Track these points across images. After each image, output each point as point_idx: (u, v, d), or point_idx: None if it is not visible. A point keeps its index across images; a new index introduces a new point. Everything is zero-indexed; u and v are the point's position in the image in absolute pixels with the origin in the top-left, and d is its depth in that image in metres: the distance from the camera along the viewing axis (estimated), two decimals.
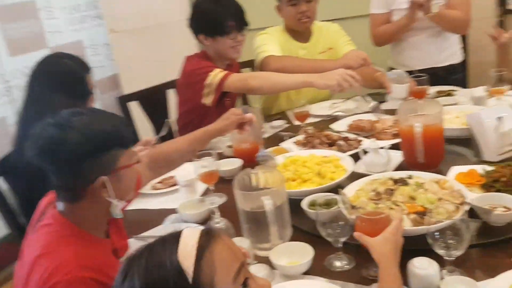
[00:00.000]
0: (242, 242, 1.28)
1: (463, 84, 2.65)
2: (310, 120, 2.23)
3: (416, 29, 2.49)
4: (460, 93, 2.39)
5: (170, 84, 2.80)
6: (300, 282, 1.19)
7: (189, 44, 3.73)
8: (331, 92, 2.07)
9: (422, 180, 1.38)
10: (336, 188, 1.49)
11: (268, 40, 2.42)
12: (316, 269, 1.24)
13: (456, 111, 1.93)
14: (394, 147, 1.72)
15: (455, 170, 1.51)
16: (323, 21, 2.63)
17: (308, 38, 2.51)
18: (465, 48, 2.82)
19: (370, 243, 1.09)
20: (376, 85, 2.36)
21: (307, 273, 1.22)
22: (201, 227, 0.82)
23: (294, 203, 1.43)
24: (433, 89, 2.36)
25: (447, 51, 2.55)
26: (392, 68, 2.61)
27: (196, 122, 2.37)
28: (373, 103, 2.11)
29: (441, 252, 1.12)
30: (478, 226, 1.26)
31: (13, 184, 1.82)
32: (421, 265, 1.09)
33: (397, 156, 1.67)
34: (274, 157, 1.69)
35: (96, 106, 2.09)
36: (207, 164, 1.59)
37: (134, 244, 1.31)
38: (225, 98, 2.31)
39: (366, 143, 1.80)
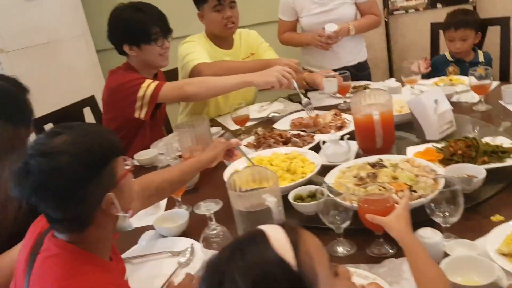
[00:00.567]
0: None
1: (370, 79, 2.90)
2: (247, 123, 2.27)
3: None
4: (374, 86, 2.61)
5: (87, 102, 2.64)
6: None
7: (85, 59, 3.56)
8: (272, 90, 2.13)
9: (394, 162, 1.49)
10: (309, 181, 1.56)
11: (194, 48, 2.39)
12: None
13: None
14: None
15: (411, 150, 1.66)
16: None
17: (231, 44, 2.54)
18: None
19: (386, 222, 1.15)
20: (305, 85, 2.48)
21: None
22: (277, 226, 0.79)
23: None
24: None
25: (356, 51, 2.78)
26: (304, 69, 2.77)
27: (129, 138, 2.26)
28: (305, 101, 2.21)
29: (439, 220, 1.23)
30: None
31: None
32: (427, 235, 1.19)
33: (354, 145, 1.78)
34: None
35: None
36: None
37: None
38: (157, 110, 2.23)
39: (319, 137, 1.89)
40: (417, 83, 2.37)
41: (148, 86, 2.07)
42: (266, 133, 1.96)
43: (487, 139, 1.60)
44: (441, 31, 2.96)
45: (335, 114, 2.11)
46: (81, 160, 0.95)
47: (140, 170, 2.06)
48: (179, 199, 1.66)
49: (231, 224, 1.35)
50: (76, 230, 1.00)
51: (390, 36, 3.69)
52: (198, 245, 1.39)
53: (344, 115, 2.10)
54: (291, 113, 2.34)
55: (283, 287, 0.70)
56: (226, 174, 1.67)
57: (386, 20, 3.62)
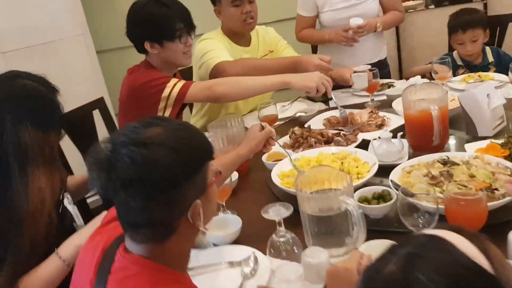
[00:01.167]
0: (320, 253, 1.13)
1: (389, 77, 2.82)
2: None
3: None
4: (399, 83, 2.52)
5: (97, 104, 2.47)
6: None
7: (85, 60, 3.38)
8: (307, 94, 2.01)
9: (463, 159, 1.39)
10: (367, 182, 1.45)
11: (214, 45, 2.24)
12: None
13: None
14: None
15: (470, 147, 1.56)
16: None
17: (249, 41, 2.41)
18: None
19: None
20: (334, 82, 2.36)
21: None
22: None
23: None
24: None
25: (377, 48, 2.69)
26: None
27: None
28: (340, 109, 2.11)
29: None
30: None
31: None
32: None
33: (405, 143, 1.67)
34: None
35: None
36: None
37: None
38: (182, 111, 2.09)
39: (363, 135, 1.79)
40: (448, 79, 2.29)
41: (174, 86, 1.93)
42: (304, 133, 1.84)
43: None
44: None
45: (371, 112, 2.00)
46: (180, 156, 0.83)
47: None
48: (224, 203, 1.52)
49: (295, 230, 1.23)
50: (158, 239, 0.86)
51: (400, 34, 3.63)
52: (259, 254, 1.25)
53: (381, 113, 2.00)
54: (320, 112, 2.23)
55: None
56: (274, 176, 1.54)
57: None
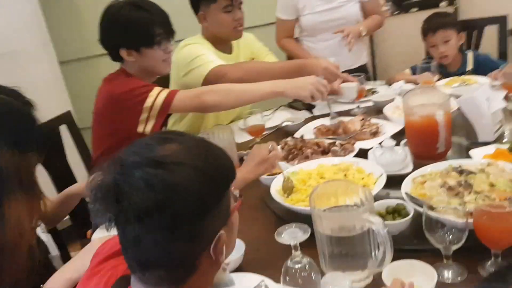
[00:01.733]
0: (342, 279, 1.02)
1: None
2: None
3: (328, 35, 2.52)
4: (382, 89, 2.46)
5: (64, 119, 2.28)
6: None
7: (46, 71, 3.16)
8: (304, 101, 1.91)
9: (476, 167, 1.31)
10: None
11: (204, 50, 2.11)
12: None
13: None
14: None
15: (476, 153, 1.49)
16: None
17: (231, 49, 2.29)
18: None
19: None
20: None
21: None
22: None
23: None
24: None
25: (358, 54, 2.63)
26: None
27: None
28: (333, 115, 2.01)
29: None
30: None
31: None
32: None
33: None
34: None
35: None
36: None
37: None
38: (166, 122, 1.94)
39: (360, 144, 1.70)
40: (434, 83, 2.25)
41: (158, 95, 1.77)
42: (298, 143, 1.73)
43: None
44: None
45: (363, 119, 1.92)
46: (204, 177, 0.70)
47: None
48: None
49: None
50: (176, 281, 0.72)
51: (373, 41, 3.60)
52: (269, 282, 1.12)
53: (373, 120, 1.92)
54: (307, 120, 2.13)
55: None
56: (274, 193, 1.42)
57: None
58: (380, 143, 1.60)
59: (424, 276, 1.04)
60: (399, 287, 0.92)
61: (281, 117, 2.29)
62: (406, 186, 1.32)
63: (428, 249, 1.13)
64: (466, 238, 1.06)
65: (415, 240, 1.19)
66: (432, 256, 1.11)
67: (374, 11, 2.54)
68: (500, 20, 2.72)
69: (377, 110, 2.19)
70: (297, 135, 1.94)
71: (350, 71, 2.52)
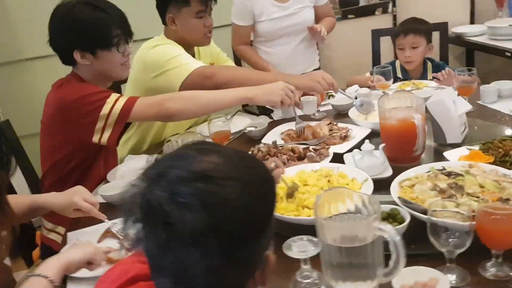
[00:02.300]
0: None
1: None
2: None
3: (283, 40, 2.50)
4: (337, 94, 2.47)
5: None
6: None
7: None
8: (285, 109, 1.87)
9: (460, 169, 1.33)
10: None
11: (179, 51, 2.00)
12: None
13: None
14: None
15: (451, 155, 1.52)
16: None
17: (193, 53, 2.19)
18: None
19: None
20: None
21: None
22: None
23: None
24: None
25: (312, 57, 2.63)
26: None
27: (83, 169, 1.78)
28: (298, 121, 1.96)
29: None
30: None
31: None
32: None
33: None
34: None
35: None
36: None
37: None
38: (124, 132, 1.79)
39: (334, 149, 1.67)
40: (389, 88, 2.30)
41: (116, 102, 1.64)
42: (272, 149, 1.67)
43: None
44: (381, 38, 2.99)
45: (330, 123, 1.91)
46: (257, 193, 0.62)
47: (108, 208, 1.61)
48: None
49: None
50: None
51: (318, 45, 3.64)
52: None
53: (340, 124, 1.91)
54: (271, 125, 2.07)
55: None
56: None
57: None
58: (352, 148, 1.59)
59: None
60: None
61: (241, 123, 2.22)
62: (393, 190, 1.31)
63: (427, 254, 1.12)
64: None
65: (412, 245, 1.17)
66: (432, 260, 1.10)
67: (326, 14, 2.56)
68: (442, 27, 2.84)
69: (336, 114, 2.20)
70: (265, 140, 1.88)
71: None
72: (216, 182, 0.62)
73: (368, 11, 3.85)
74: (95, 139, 1.67)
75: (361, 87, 2.39)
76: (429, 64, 2.55)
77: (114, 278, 0.80)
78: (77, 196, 1.42)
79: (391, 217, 1.21)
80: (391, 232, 0.97)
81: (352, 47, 3.60)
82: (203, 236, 0.59)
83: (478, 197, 1.18)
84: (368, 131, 1.81)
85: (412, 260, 1.09)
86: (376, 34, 2.98)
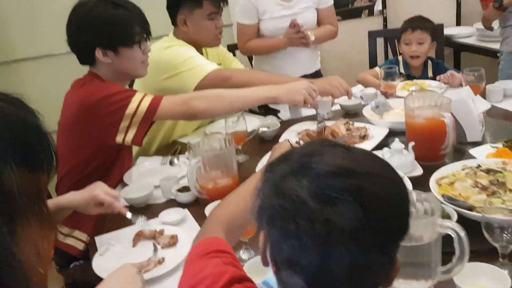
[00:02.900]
0: None
1: None
2: None
3: None
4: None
5: None
6: None
7: None
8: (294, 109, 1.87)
9: (495, 166, 1.36)
10: None
11: (193, 52, 1.99)
12: None
13: (400, 104, 1.98)
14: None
15: (477, 152, 1.55)
16: None
17: (201, 54, 2.16)
18: None
19: None
20: None
21: None
22: None
23: None
24: None
25: (314, 58, 2.64)
26: None
27: (103, 171, 1.73)
28: (321, 120, 1.97)
29: None
30: None
31: None
32: None
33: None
34: None
35: None
36: None
37: None
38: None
39: (361, 147, 1.67)
40: (395, 87, 2.33)
41: (141, 100, 1.61)
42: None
43: None
44: (378, 40, 3.04)
45: (347, 123, 1.91)
46: (402, 191, 0.66)
47: (131, 211, 1.57)
48: (247, 240, 1.27)
49: None
50: None
51: None
52: None
53: (356, 124, 1.92)
54: (284, 125, 2.06)
55: None
56: None
57: None
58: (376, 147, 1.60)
59: (491, 279, 1.04)
60: None
61: (250, 123, 2.20)
62: (433, 188, 1.32)
63: (477, 250, 1.14)
64: None
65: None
66: (482, 256, 1.11)
67: (328, 20, 2.57)
68: (437, 29, 2.90)
69: (344, 114, 2.22)
70: (281, 140, 1.86)
71: (307, 76, 2.52)
72: (367, 179, 0.61)
73: (354, 13, 3.90)
74: (119, 139, 1.63)
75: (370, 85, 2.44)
76: (429, 62, 2.61)
77: (209, 283, 0.77)
78: (98, 189, 1.38)
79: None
80: (457, 228, 0.98)
81: (345, 49, 3.63)
82: (361, 232, 0.59)
83: None
84: (386, 130, 1.83)
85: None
86: (373, 36, 3.01)
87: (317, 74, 2.66)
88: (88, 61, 1.66)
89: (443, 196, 1.25)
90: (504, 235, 1.08)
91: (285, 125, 2.08)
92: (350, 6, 3.74)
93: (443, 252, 1.06)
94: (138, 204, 1.60)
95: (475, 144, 1.68)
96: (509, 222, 1.07)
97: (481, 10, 3.60)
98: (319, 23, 2.57)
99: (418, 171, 1.51)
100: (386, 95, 2.26)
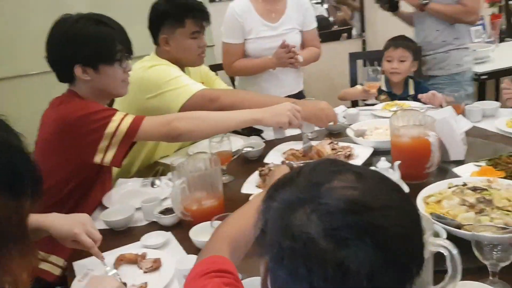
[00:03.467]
0: None
1: None
2: None
3: None
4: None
5: None
6: None
7: None
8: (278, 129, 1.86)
9: (481, 184, 1.36)
10: None
11: (178, 72, 1.97)
12: None
13: (384, 124, 1.99)
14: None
15: (462, 171, 1.56)
16: None
17: (185, 73, 2.14)
18: None
19: None
20: None
21: None
22: None
23: None
24: None
25: (298, 79, 2.65)
26: None
27: (81, 194, 1.68)
28: (306, 141, 1.95)
29: None
30: None
31: None
32: None
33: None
34: None
35: None
36: None
37: None
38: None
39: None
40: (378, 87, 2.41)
41: (122, 120, 1.58)
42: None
43: None
44: (358, 61, 3.08)
45: (331, 142, 1.91)
46: (414, 219, 0.63)
47: (111, 234, 1.52)
48: None
49: None
50: None
51: None
52: None
53: (341, 143, 1.92)
54: (267, 145, 2.05)
55: None
56: None
57: None
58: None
59: None
60: None
61: (234, 143, 2.18)
62: (420, 207, 1.31)
63: (468, 268, 1.13)
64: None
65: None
66: (471, 274, 1.10)
67: (312, 43, 2.59)
68: (419, 49, 2.96)
69: (328, 133, 2.21)
70: (268, 160, 1.85)
71: (291, 96, 2.52)
72: (381, 213, 0.58)
73: (334, 36, 3.98)
74: (97, 159, 1.58)
75: (354, 99, 2.48)
76: (410, 81, 2.65)
77: None
78: (79, 228, 1.29)
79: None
80: (449, 247, 0.97)
81: (326, 70, 3.67)
82: (378, 274, 0.56)
83: (508, 211, 1.21)
84: (370, 149, 1.83)
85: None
86: (353, 57, 3.05)
87: (300, 95, 2.67)
88: (67, 79, 1.63)
89: (431, 214, 1.24)
90: (494, 253, 1.07)
91: (270, 145, 2.07)
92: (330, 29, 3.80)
93: (434, 270, 1.06)
94: (119, 227, 1.55)
95: (458, 163, 1.69)
96: (499, 240, 1.06)
97: None
98: (303, 45, 2.59)
99: (405, 189, 1.50)
100: (369, 94, 2.31)
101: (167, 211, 1.56)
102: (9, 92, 2.92)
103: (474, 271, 1.11)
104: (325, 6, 3.93)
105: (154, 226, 1.57)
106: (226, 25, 2.45)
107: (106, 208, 1.67)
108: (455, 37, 2.76)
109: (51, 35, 1.58)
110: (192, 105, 1.85)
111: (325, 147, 1.86)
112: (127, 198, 1.76)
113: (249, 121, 1.79)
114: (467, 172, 1.55)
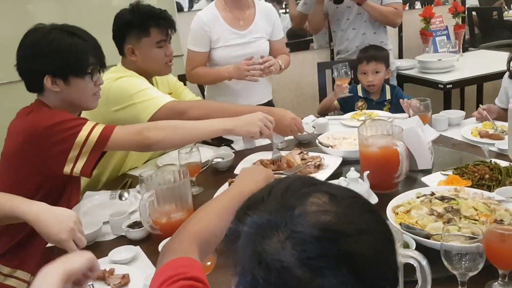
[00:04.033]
0: None
1: None
2: None
3: None
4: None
5: None
6: None
7: None
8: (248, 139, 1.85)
9: (448, 194, 1.38)
10: None
11: (146, 84, 1.94)
12: None
13: (352, 134, 2.00)
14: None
15: (430, 180, 1.58)
16: None
17: (152, 83, 2.11)
18: None
19: None
20: None
21: None
22: None
23: None
24: None
25: (266, 90, 2.66)
26: None
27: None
28: (276, 152, 1.95)
29: None
30: None
31: None
32: None
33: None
34: None
35: None
36: None
37: None
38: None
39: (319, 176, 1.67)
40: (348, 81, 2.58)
41: (92, 129, 1.54)
42: None
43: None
44: (327, 71, 3.11)
45: (301, 152, 1.91)
46: (388, 241, 0.63)
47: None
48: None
49: None
50: None
51: None
52: None
53: (311, 153, 1.92)
54: (238, 155, 2.03)
55: None
56: None
57: None
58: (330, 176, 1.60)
59: None
60: None
61: (204, 154, 2.16)
62: (390, 217, 1.32)
63: (436, 278, 1.14)
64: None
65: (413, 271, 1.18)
66: (440, 285, 1.12)
67: (280, 51, 2.60)
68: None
69: (297, 143, 2.22)
70: (238, 171, 1.83)
71: (261, 105, 2.52)
72: (356, 239, 0.57)
73: (303, 46, 4.00)
74: (67, 169, 1.54)
75: (332, 105, 2.64)
76: (387, 87, 2.74)
77: None
78: (67, 234, 1.22)
79: None
80: (419, 257, 0.98)
81: (295, 80, 3.69)
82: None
83: (476, 220, 1.23)
84: (340, 159, 1.84)
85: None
86: (321, 67, 3.08)
87: (269, 104, 2.66)
88: (36, 89, 1.59)
89: (400, 224, 1.26)
90: (463, 262, 1.08)
91: (240, 155, 2.06)
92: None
93: (404, 281, 1.06)
94: (86, 242, 1.50)
95: (426, 172, 1.72)
96: (467, 249, 1.07)
97: (421, 44, 3.80)
98: (271, 53, 2.59)
99: (374, 199, 1.51)
100: (342, 88, 2.49)
101: (136, 224, 1.53)
102: None
103: (443, 281, 1.12)
104: None
105: (122, 240, 1.53)
106: (192, 33, 2.44)
107: None
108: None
109: (22, 44, 1.54)
110: (160, 117, 1.83)
111: (295, 157, 1.87)
112: (94, 211, 1.72)
113: (220, 131, 1.79)
114: (434, 181, 1.57)
